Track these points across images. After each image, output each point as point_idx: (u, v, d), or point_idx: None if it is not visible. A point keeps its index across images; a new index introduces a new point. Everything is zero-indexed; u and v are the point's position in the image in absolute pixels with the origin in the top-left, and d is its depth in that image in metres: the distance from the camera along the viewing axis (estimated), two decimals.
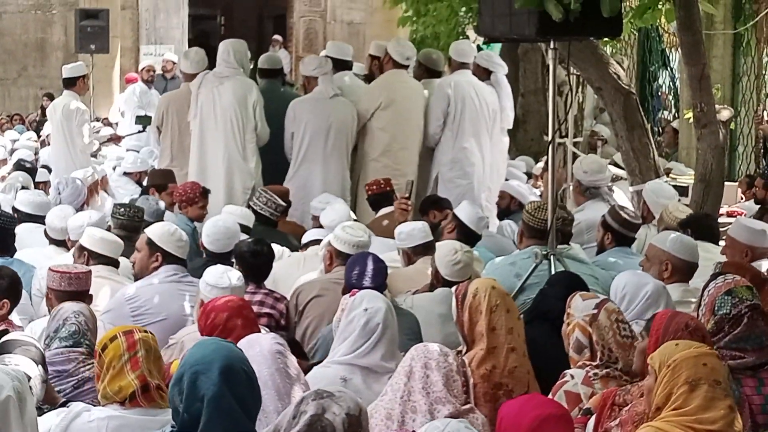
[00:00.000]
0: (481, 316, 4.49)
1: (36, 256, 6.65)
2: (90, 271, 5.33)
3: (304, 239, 6.91)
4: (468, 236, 6.48)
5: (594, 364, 4.25)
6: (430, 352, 4.07)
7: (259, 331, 4.71)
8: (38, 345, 4.39)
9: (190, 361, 3.37)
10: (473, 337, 4.52)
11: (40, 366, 4.21)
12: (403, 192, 7.66)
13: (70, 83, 10.79)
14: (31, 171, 10.62)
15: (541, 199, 6.57)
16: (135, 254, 5.95)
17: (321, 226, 6.96)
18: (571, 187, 8.73)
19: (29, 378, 4.04)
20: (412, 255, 6.16)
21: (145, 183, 9.22)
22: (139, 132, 12.70)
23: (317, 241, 6.51)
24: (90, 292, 5.27)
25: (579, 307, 4.37)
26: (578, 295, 4.46)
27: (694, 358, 3.51)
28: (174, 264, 5.81)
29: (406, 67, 8.73)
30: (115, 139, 13.25)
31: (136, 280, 5.87)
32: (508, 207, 8.29)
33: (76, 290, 5.12)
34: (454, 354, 4.20)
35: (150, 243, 5.84)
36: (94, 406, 3.91)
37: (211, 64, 8.71)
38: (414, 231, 6.21)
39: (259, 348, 4.07)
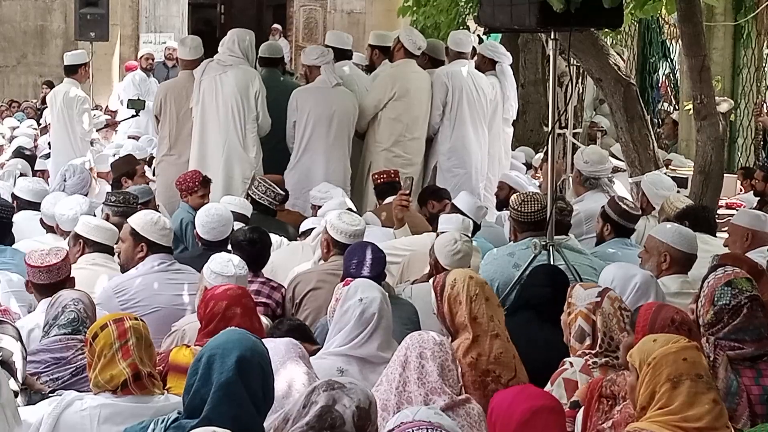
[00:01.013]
0: (461, 306, 4.49)
1: (34, 244, 6.62)
2: (66, 256, 5.27)
3: (302, 227, 6.91)
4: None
5: (593, 352, 4.24)
6: (425, 341, 4.05)
7: (259, 320, 4.72)
8: (13, 323, 4.40)
9: (211, 345, 3.40)
10: (456, 327, 4.52)
11: (19, 342, 4.22)
12: (404, 188, 7.64)
13: (71, 71, 10.75)
14: (31, 159, 10.60)
15: (528, 191, 6.52)
16: (120, 244, 5.88)
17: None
18: (570, 178, 8.73)
19: (11, 354, 4.05)
20: None
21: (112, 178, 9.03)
22: (133, 116, 12.65)
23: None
24: (72, 276, 5.25)
25: (581, 296, 4.37)
26: (578, 285, 4.47)
27: (673, 354, 3.49)
28: (160, 253, 5.76)
29: (416, 56, 8.73)
30: (112, 125, 13.22)
31: (122, 271, 5.80)
32: (507, 198, 8.26)
33: (53, 282, 5.08)
34: (449, 342, 4.19)
35: (134, 233, 5.78)
36: (90, 393, 3.91)
37: (211, 53, 8.68)
38: (453, 218, 6.29)
39: (274, 344, 4.07)
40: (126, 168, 8.54)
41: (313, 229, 6.64)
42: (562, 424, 3.57)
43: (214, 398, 3.27)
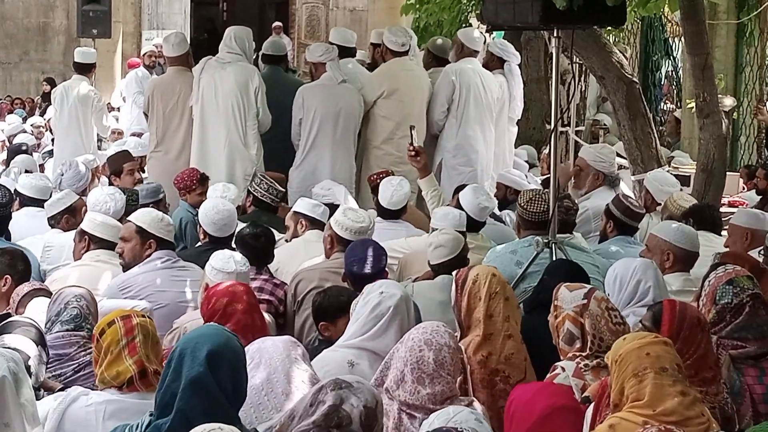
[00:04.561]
0: (479, 302, 4.49)
1: (38, 242, 6.62)
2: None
3: (295, 208, 6.81)
4: (470, 223, 6.45)
5: (584, 354, 4.20)
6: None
7: (261, 317, 4.72)
8: (39, 326, 4.40)
9: (184, 340, 3.41)
10: (469, 323, 4.52)
11: (39, 347, 4.22)
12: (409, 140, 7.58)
13: (84, 69, 10.69)
14: (29, 155, 10.57)
15: (537, 189, 6.49)
16: (121, 244, 5.84)
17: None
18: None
19: (28, 357, 4.05)
20: None
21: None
22: None
23: (302, 214, 6.53)
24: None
25: (567, 298, 4.29)
26: (563, 286, 4.38)
27: (637, 350, 3.53)
28: (164, 249, 5.77)
29: (404, 53, 8.67)
30: None
31: (125, 269, 5.77)
32: (505, 197, 8.26)
33: None
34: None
35: (141, 231, 5.78)
36: (93, 390, 3.91)
37: (213, 50, 8.67)
38: (449, 214, 6.23)
39: (272, 342, 4.07)
40: (114, 166, 8.47)
41: (297, 212, 6.62)
42: (580, 423, 3.58)
43: (184, 392, 3.27)
